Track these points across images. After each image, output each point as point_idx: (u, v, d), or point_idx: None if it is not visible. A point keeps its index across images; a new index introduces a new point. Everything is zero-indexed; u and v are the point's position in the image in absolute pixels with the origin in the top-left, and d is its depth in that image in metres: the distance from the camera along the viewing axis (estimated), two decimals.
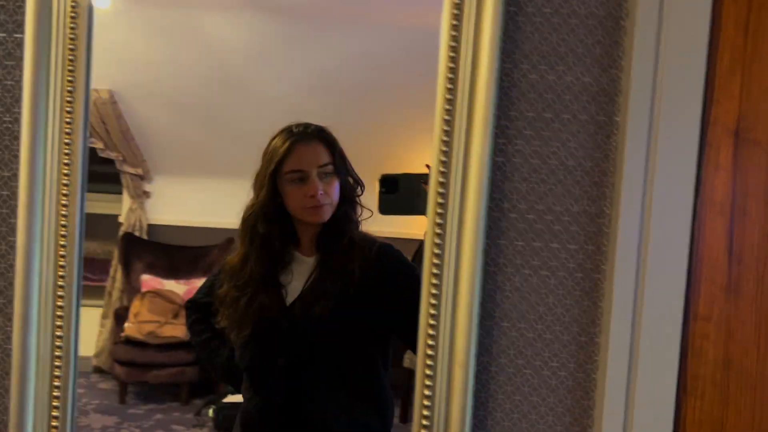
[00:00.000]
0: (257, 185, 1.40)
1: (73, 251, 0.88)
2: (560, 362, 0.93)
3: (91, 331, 4.81)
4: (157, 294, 4.23)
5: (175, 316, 4.13)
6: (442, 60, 0.89)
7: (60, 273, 0.88)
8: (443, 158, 0.88)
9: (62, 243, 0.87)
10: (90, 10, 0.88)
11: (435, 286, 0.90)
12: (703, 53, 0.89)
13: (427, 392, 0.90)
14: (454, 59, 0.88)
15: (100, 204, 5.21)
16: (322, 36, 3.74)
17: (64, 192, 0.86)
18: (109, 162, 4.73)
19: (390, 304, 1.33)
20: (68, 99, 0.85)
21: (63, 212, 0.86)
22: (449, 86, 0.88)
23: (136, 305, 4.28)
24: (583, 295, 0.93)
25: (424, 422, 0.89)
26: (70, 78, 0.85)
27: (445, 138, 0.88)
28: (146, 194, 4.65)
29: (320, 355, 1.36)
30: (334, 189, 1.38)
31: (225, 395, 2.64)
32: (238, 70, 3.97)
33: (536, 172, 0.92)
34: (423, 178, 1.04)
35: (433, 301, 0.90)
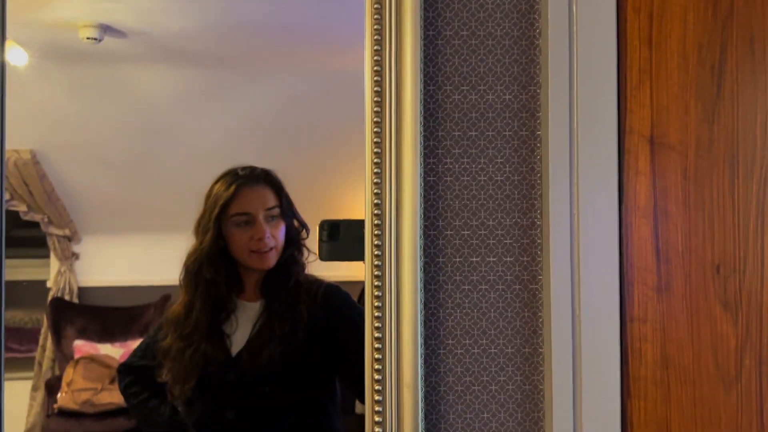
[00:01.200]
0: (200, 230, 1.39)
1: None
2: (507, 376, 0.94)
3: (21, 405, 4.54)
4: (92, 359, 4.05)
5: (112, 381, 3.94)
6: (367, 88, 0.92)
7: None
8: (376, 180, 0.90)
9: None
10: (2, 67, 0.86)
11: (377, 308, 0.90)
12: (613, 67, 0.94)
13: (377, 418, 0.89)
14: (379, 83, 0.90)
15: (25, 270, 4.98)
16: (248, 83, 3.77)
17: None
18: (34, 225, 4.56)
19: (337, 347, 1.33)
20: None
21: None
22: (376, 109, 0.90)
23: (69, 373, 4.08)
24: (523, 307, 0.95)
25: None
26: None
27: (376, 160, 0.90)
28: (75, 256, 4.49)
29: (270, 404, 1.34)
30: (281, 232, 1.38)
31: None
32: (166, 122, 3.94)
33: (467, 189, 0.94)
34: (365, 224, 1.06)
35: (377, 324, 0.90)
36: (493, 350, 0.94)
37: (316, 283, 1.40)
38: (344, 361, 1.32)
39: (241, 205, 1.37)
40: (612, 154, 0.94)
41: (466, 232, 0.94)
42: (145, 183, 4.14)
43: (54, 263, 4.49)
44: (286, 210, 1.41)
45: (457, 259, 0.94)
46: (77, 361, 4.07)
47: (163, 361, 1.40)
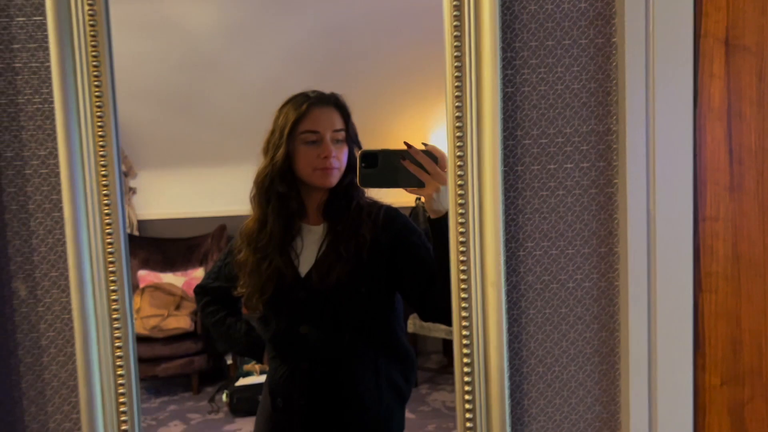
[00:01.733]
0: (271, 147, 1.44)
1: (117, 219, 0.93)
2: (584, 274, 1.00)
3: None
4: (157, 288, 4.27)
5: (177, 307, 4.17)
6: (446, 1, 0.95)
7: (108, 240, 0.93)
8: (458, 93, 0.94)
9: (106, 212, 0.92)
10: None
11: (461, 215, 0.96)
12: None
13: (464, 313, 0.96)
14: None
15: None
16: (291, 7, 3.74)
17: (102, 163, 0.91)
18: None
19: (399, 266, 1.39)
20: (95, 74, 0.89)
21: (104, 182, 0.91)
22: (456, 23, 0.93)
23: (136, 301, 4.32)
24: (599, 210, 1.00)
25: (465, 341, 0.96)
26: (94, 53, 0.89)
27: (457, 74, 0.94)
28: (132, 190, 4.66)
29: (341, 320, 1.41)
30: (344, 155, 1.43)
31: (237, 379, 2.70)
32: (211, 55, 3.97)
33: (544, 99, 0.98)
34: (402, 154, 1.12)
35: (462, 229, 0.96)
36: (570, 251, 1.00)
37: (376, 206, 1.44)
38: (406, 279, 1.38)
39: (311, 123, 1.42)
40: (688, 57, 0.96)
41: (543, 141, 0.98)
42: (193, 118, 4.23)
43: None
44: (352, 135, 1.46)
45: (535, 167, 0.99)
46: (143, 290, 4.30)
47: (239, 274, 1.47)
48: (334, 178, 1.42)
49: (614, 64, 0.98)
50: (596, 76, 0.98)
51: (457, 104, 0.95)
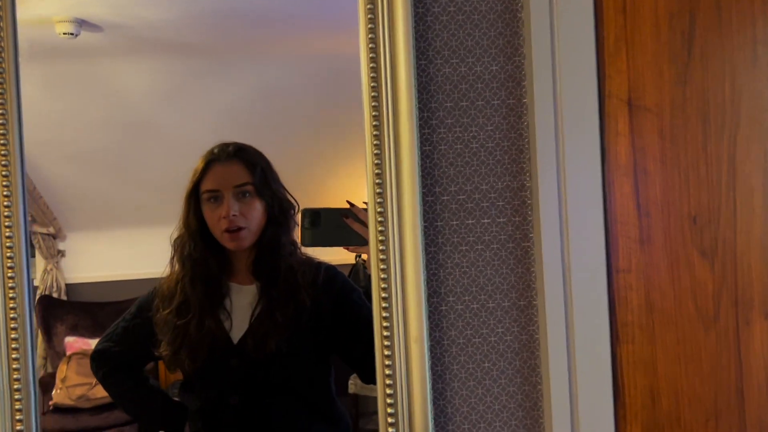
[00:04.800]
0: (182, 209, 1.39)
1: (22, 285, 0.88)
2: (505, 327, 1.01)
3: None
4: (84, 355, 4.05)
5: None
6: (363, 66, 0.97)
7: (11, 306, 0.88)
8: (376, 150, 0.95)
9: (9, 275, 0.88)
10: None
11: (383, 270, 0.96)
12: (591, 35, 1.01)
13: (387, 371, 0.95)
14: (374, 59, 0.96)
15: None
16: (225, 71, 3.76)
17: (7, 224, 0.87)
18: None
19: (341, 329, 1.32)
20: (1, 132, 0.87)
21: (8, 243, 0.87)
22: (373, 84, 0.96)
23: (62, 370, 4.08)
24: (517, 263, 1.01)
25: (389, 400, 0.95)
26: (1, 111, 0.87)
27: (375, 132, 0.95)
28: (60, 253, 4.47)
29: (276, 388, 1.33)
30: (254, 211, 1.34)
31: None
32: (144, 116, 3.92)
33: (461, 156, 1.00)
34: (344, 212, 1.12)
35: (384, 285, 0.96)
36: (491, 304, 1.01)
37: (313, 264, 1.36)
38: (348, 342, 1.32)
39: (210, 182, 1.35)
40: (594, 118, 1.00)
41: (461, 197, 1.00)
42: (125, 178, 4.14)
43: (40, 261, 4.47)
44: (261, 187, 1.35)
45: (454, 222, 1.00)
46: (69, 358, 4.08)
47: (160, 335, 1.35)
48: (245, 239, 1.33)
49: (526, 123, 1.01)
50: (509, 135, 1.01)
51: (376, 161, 0.96)
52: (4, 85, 0.87)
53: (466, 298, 1.00)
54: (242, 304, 1.35)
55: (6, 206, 0.87)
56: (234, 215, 1.31)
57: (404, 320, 0.96)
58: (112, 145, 4.36)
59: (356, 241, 1.09)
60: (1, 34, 0.82)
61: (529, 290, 1.01)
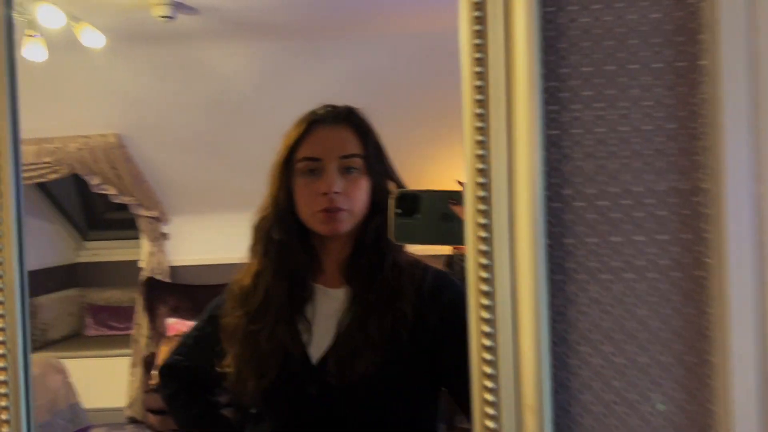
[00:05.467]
0: (269, 182, 1.09)
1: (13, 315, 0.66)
2: (663, 392, 0.68)
3: (122, 381, 4.61)
4: None
5: None
6: (464, 13, 0.67)
7: None
8: (480, 136, 0.65)
9: None
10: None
11: (486, 307, 0.66)
12: None
13: None
14: (480, 6, 0.65)
15: (119, 251, 5.04)
16: (320, 52, 3.56)
17: None
18: (125, 207, 4.57)
19: (450, 352, 0.97)
20: None
21: None
22: (477, 41, 0.65)
23: (163, 351, 4.09)
24: (685, 301, 0.68)
25: None
26: None
27: (479, 110, 0.65)
28: (164, 236, 4.48)
29: (361, 423, 1.02)
30: (359, 191, 1.03)
31: None
32: (242, 100, 3.81)
33: (603, 144, 0.68)
34: (452, 196, 0.82)
35: (487, 328, 0.66)
36: (643, 359, 0.68)
37: (419, 267, 1.04)
38: (453, 374, 0.98)
39: (310, 148, 1.05)
40: None
41: (602, 203, 0.68)
42: (225, 162, 4.05)
43: (145, 244, 4.51)
44: (373, 162, 1.05)
45: (592, 240, 0.68)
46: (170, 339, 4.08)
47: (225, 345, 1.09)
48: (342, 223, 1.02)
49: (703, 96, 0.67)
50: (677, 113, 0.68)
51: (479, 152, 0.66)
52: None
53: (607, 348, 0.68)
54: (326, 312, 1.05)
55: None
56: (336, 192, 1.01)
57: (516, 379, 0.65)
58: (211, 129, 4.26)
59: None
60: None
61: (702, 341, 0.68)
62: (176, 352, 1.22)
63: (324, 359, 1.02)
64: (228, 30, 3.40)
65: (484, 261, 0.66)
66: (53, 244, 4.72)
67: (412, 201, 0.83)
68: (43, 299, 4.53)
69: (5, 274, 0.60)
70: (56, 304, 4.64)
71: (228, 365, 1.08)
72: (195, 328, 1.22)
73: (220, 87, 3.75)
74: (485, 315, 0.66)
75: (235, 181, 4.01)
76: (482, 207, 0.66)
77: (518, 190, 0.66)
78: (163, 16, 3.07)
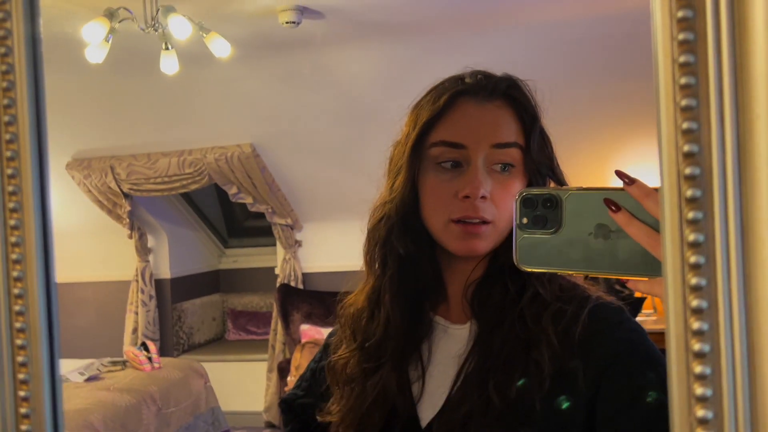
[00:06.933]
0: (389, 173, 0.85)
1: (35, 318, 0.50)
2: None
3: (261, 384, 4.65)
4: (316, 344, 3.97)
5: None
6: None
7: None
8: (686, 101, 0.39)
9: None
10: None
11: (698, 355, 0.40)
12: None
13: None
14: None
15: (257, 258, 5.11)
16: (449, 50, 3.34)
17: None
18: (262, 215, 4.61)
19: (606, 421, 0.70)
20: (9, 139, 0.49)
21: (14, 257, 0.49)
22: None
23: (296, 357, 4.05)
24: None
25: None
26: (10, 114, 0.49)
27: (683, 58, 0.39)
28: (298, 243, 4.47)
29: None
30: (511, 198, 0.73)
31: None
32: (368, 103, 3.67)
33: None
34: (614, 198, 0.52)
35: (701, 413, 0.40)
36: None
37: (576, 298, 0.75)
38: None
39: (452, 129, 0.76)
40: None
41: None
42: (354, 169, 3.95)
43: (280, 251, 4.52)
44: (535, 157, 0.76)
45: None
46: (303, 346, 4.04)
47: (332, 386, 0.87)
48: (483, 240, 0.75)
49: None
50: None
51: (685, 126, 0.40)
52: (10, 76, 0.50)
53: None
54: (445, 356, 0.79)
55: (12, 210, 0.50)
56: (483, 196, 0.74)
57: None
58: (341, 135, 4.18)
59: (642, 267, 0.51)
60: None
61: None
62: (296, 385, 1.03)
63: (435, 421, 0.77)
64: (353, 33, 3.28)
65: (695, 281, 0.40)
66: (198, 252, 4.89)
67: (545, 205, 0.55)
68: (188, 304, 4.69)
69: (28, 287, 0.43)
70: (200, 309, 4.80)
71: (331, 412, 0.85)
72: (314, 360, 1.02)
73: (348, 93, 3.65)
74: (699, 390, 0.40)
75: (364, 188, 3.91)
76: (692, 215, 0.39)
77: (755, 196, 0.39)
78: (288, 22, 3.01)
